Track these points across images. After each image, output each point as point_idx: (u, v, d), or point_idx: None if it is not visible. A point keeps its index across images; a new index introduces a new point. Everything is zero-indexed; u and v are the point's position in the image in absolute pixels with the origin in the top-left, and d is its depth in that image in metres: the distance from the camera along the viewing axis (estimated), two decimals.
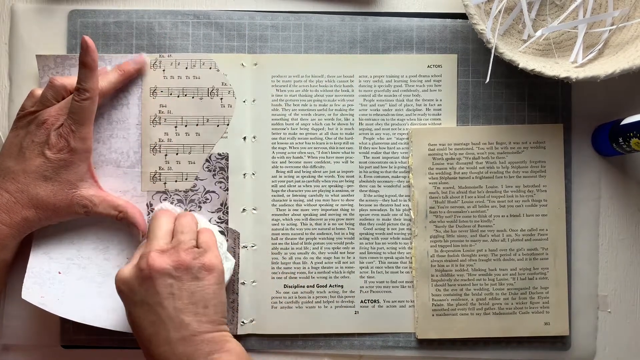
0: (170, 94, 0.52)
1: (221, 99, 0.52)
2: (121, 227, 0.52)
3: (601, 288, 0.53)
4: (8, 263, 0.49)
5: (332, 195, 0.52)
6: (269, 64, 0.53)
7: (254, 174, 0.53)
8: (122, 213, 0.49)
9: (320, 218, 0.52)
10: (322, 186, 0.52)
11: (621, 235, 0.54)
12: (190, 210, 0.52)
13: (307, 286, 0.52)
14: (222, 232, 0.52)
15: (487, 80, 0.50)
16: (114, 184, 0.52)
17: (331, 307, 0.52)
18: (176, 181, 0.52)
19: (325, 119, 0.53)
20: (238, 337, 0.52)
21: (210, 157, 0.52)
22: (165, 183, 0.52)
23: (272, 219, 0.52)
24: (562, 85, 0.53)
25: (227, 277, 0.48)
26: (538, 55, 0.52)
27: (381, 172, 0.53)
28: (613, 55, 0.49)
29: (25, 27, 0.53)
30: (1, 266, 0.48)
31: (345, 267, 0.52)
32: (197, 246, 0.46)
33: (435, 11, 0.54)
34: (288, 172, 0.53)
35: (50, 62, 0.51)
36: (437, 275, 0.52)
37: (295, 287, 0.52)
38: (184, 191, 0.52)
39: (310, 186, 0.52)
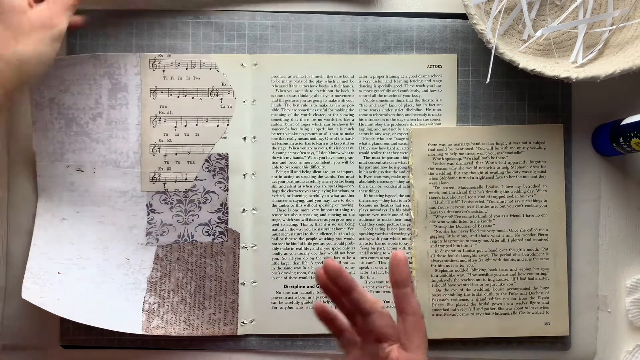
0: (170, 95, 0.52)
1: (221, 99, 0.52)
2: (121, 227, 0.52)
3: (601, 288, 0.53)
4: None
5: (332, 196, 0.52)
6: (269, 64, 0.53)
7: (254, 174, 0.53)
8: None
9: (320, 218, 0.52)
10: (322, 186, 0.52)
11: (621, 235, 0.54)
12: (190, 212, 0.52)
13: (307, 286, 0.52)
14: (222, 233, 0.52)
15: (487, 80, 0.50)
16: (114, 184, 0.52)
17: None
18: (176, 181, 0.52)
19: (325, 119, 0.53)
20: (238, 337, 0.52)
21: (210, 157, 0.52)
22: (164, 183, 0.52)
23: (272, 219, 0.52)
24: (562, 85, 0.53)
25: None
26: (538, 55, 0.52)
27: (381, 172, 0.53)
28: (613, 55, 0.49)
29: None
30: None
31: (345, 267, 0.52)
32: None
33: (435, 11, 0.54)
34: (288, 172, 0.52)
35: None
36: (437, 276, 0.52)
37: (295, 287, 0.52)
38: (183, 191, 0.52)
39: (310, 186, 0.52)
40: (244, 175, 0.52)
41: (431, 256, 0.52)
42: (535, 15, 0.53)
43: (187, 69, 0.52)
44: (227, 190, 0.52)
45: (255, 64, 0.53)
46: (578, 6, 0.52)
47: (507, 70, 0.53)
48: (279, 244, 0.52)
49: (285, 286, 0.52)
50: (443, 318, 0.52)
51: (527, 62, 0.47)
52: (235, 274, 0.52)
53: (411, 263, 0.52)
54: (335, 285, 0.40)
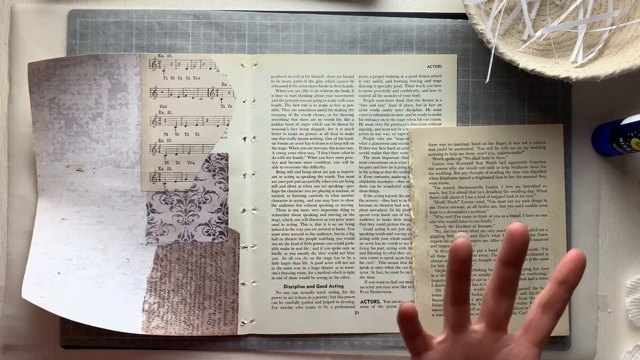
0: (170, 95, 0.52)
1: (221, 99, 0.52)
2: (121, 227, 0.52)
3: (601, 288, 0.53)
4: None
5: (332, 196, 0.52)
6: (269, 64, 0.53)
7: (254, 174, 0.53)
8: None
9: (320, 218, 0.52)
10: (322, 186, 0.52)
11: (621, 235, 0.54)
12: (190, 212, 0.52)
13: (307, 286, 0.52)
14: (222, 233, 0.52)
15: (487, 80, 0.50)
16: (114, 184, 0.52)
17: (331, 307, 0.52)
18: (176, 181, 0.52)
19: (325, 119, 0.53)
20: (238, 337, 0.52)
21: (210, 157, 0.52)
22: (164, 183, 0.52)
23: (272, 219, 0.52)
24: (562, 85, 0.53)
25: None
26: (538, 55, 0.52)
27: (381, 172, 0.53)
28: (613, 55, 0.49)
29: (25, 27, 0.53)
30: None
31: (345, 268, 0.52)
32: None
33: (435, 11, 0.54)
34: (288, 172, 0.53)
35: (42, 65, 0.50)
36: (437, 276, 0.52)
37: (295, 287, 0.52)
38: (183, 191, 0.52)
39: (310, 186, 0.52)
40: (244, 175, 0.53)
41: (431, 256, 0.52)
42: (535, 15, 0.53)
43: (187, 69, 0.52)
44: (227, 190, 0.52)
45: (255, 64, 0.53)
46: (578, 6, 0.52)
47: (507, 70, 0.53)
48: (279, 244, 0.52)
49: (285, 286, 0.52)
50: (443, 318, 0.52)
51: (527, 62, 0.47)
52: (235, 274, 0.52)
53: (411, 263, 0.52)
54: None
